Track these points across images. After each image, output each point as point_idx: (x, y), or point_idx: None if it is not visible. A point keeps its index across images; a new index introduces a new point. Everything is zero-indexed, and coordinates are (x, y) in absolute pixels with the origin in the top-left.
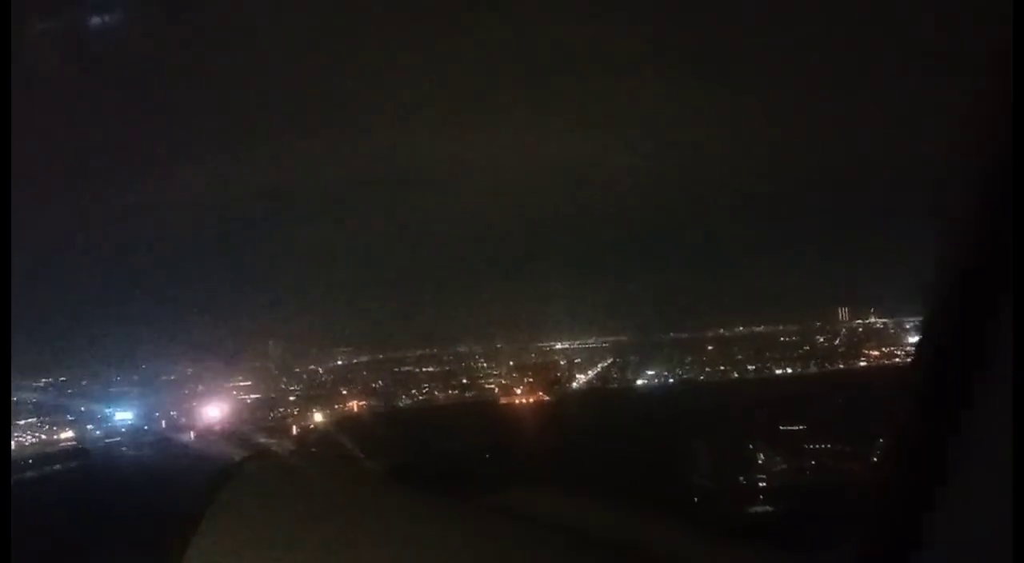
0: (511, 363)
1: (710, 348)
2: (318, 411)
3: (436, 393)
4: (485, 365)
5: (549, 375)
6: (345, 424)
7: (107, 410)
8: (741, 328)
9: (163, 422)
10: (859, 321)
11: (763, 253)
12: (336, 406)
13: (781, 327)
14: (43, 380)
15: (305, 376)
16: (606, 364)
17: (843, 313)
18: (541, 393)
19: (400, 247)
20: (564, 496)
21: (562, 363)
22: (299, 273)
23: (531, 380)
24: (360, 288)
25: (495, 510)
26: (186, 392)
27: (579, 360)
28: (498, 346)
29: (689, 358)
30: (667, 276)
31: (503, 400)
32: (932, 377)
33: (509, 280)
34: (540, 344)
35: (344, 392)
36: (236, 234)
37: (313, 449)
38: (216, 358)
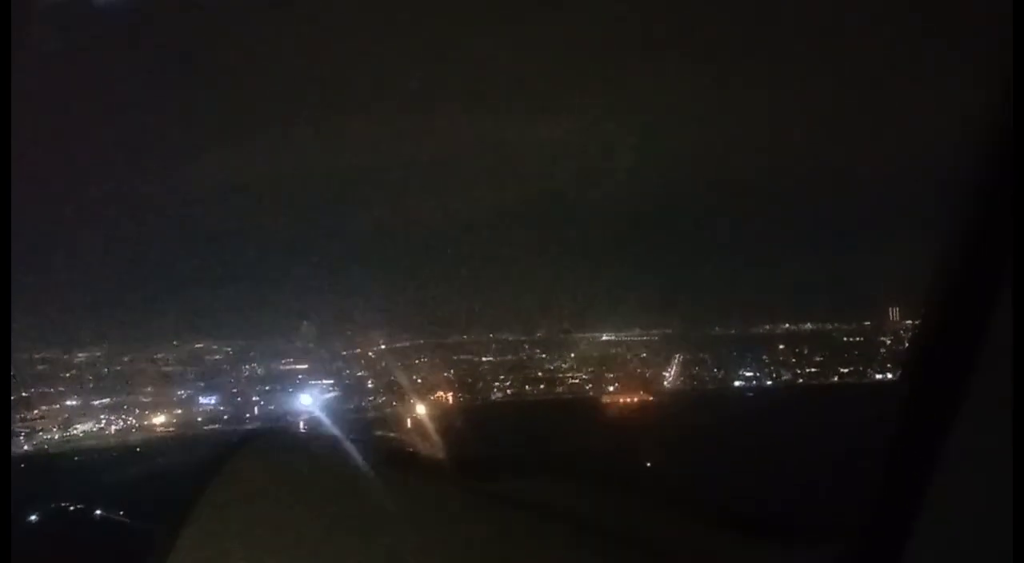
0: (572, 355)
1: (781, 347)
2: (417, 403)
3: (526, 387)
4: (545, 356)
5: (634, 371)
6: (454, 419)
7: (180, 392)
8: (787, 325)
9: (254, 409)
10: (911, 322)
11: (796, 248)
12: (430, 397)
13: (831, 325)
14: (80, 354)
15: (363, 362)
16: (680, 360)
17: (894, 313)
18: (642, 392)
19: (429, 232)
20: (567, 484)
21: (627, 356)
22: (325, 256)
23: (616, 376)
24: (389, 272)
25: (497, 498)
26: (246, 375)
27: (645, 355)
28: (538, 335)
29: (765, 357)
30: (704, 269)
31: (605, 399)
32: (928, 375)
33: (541, 268)
34: (583, 334)
35: (419, 381)
36: (266, 217)
37: (321, 427)
38: (250, 338)
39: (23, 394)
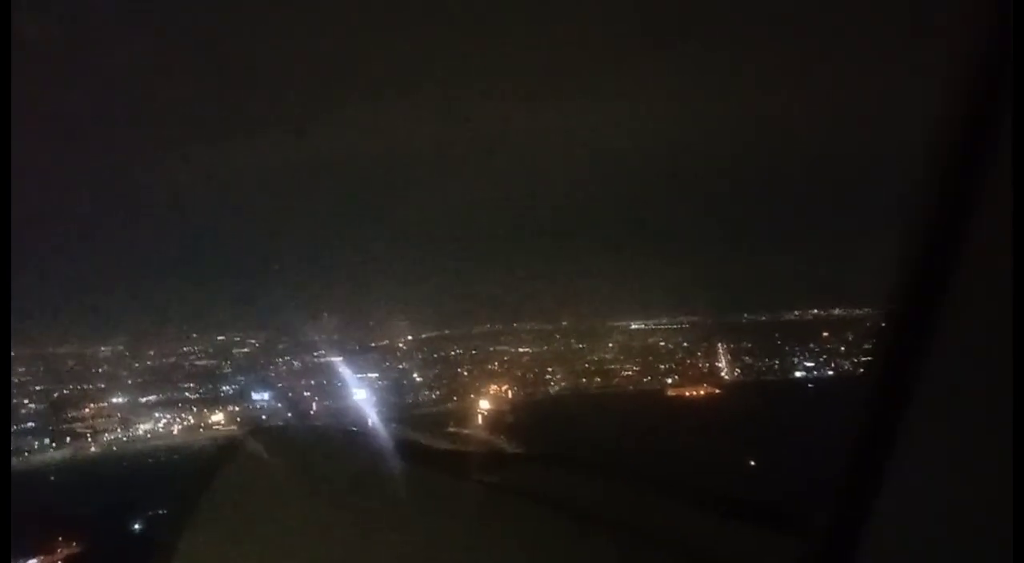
0: (610, 345)
1: (825, 334)
2: (479, 397)
3: (583, 380)
4: (582, 347)
5: (683, 361)
6: (521, 414)
7: (225, 388)
8: (816, 311)
9: (312, 405)
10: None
11: (816, 234)
12: (486, 391)
13: (859, 311)
14: (104, 348)
15: (399, 354)
16: (728, 348)
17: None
18: (706, 385)
19: (449, 222)
20: (566, 472)
21: (667, 345)
22: (349, 249)
23: (670, 367)
24: (408, 263)
25: (509, 491)
26: (283, 368)
27: (686, 343)
28: (564, 323)
29: (812, 345)
30: (727, 256)
31: (671, 392)
32: (888, 373)
33: (562, 257)
34: (611, 323)
35: (464, 373)
36: (286, 211)
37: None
38: (271, 330)
39: (64, 391)
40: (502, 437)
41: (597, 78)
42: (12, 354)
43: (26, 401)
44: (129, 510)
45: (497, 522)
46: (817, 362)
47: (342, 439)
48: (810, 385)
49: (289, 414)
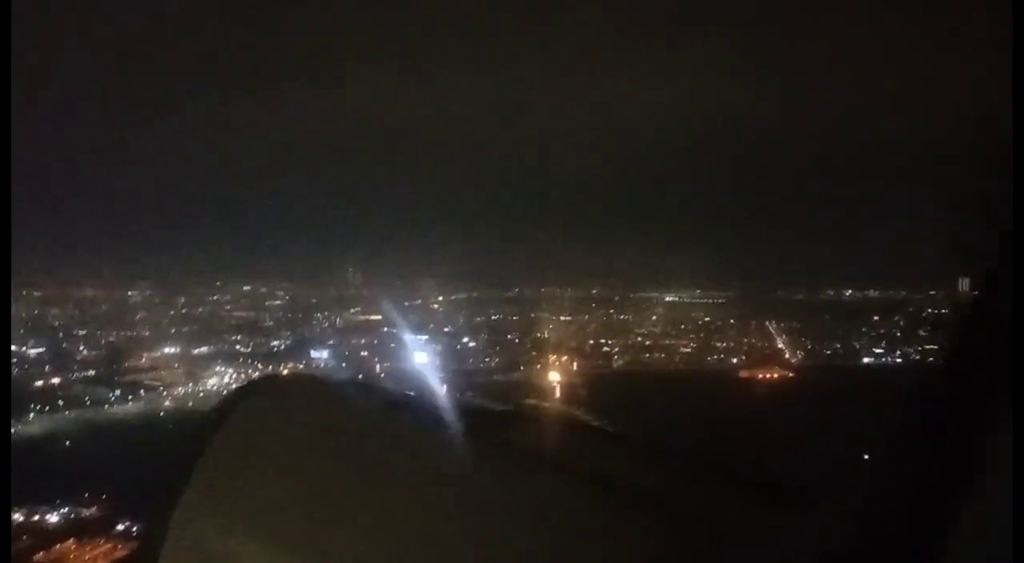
0: (654, 317)
1: (876, 318)
2: (546, 368)
3: (645, 355)
4: (625, 318)
5: (739, 339)
6: (594, 389)
7: (275, 343)
8: (851, 292)
9: (375, 366)
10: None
11: (853, 215)
12: (549, 362)
13: (903, 293)
14: (131, 292)
15: (440, 317)
16: (780, 328)
17: (963, 284)
18: (778, 368)
19: (482, 187)
20: (580, 436)
21: (714, 321)
22: (371, 207)
23: (728, 346)
24: (439, 224)
25: (522, 453)
26: (326, 326)
27: (732, 320)
28: (594, 291)
29: (864, 328)
30: (758, 233)
31: (743, 374)
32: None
33: (590, 226)
34: (641, 294)
35: (515, 341)
36: (324, 166)
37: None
38: (301, 283)
39: (110, 338)
40: (583, 412)
41: (649, 51)
42: (37, 294)
43: (80, 347)
44: None
45: (516, 490)
46: (884, 348)
47: (355, 394)
48: (885, 373)
49: (359, 375)
